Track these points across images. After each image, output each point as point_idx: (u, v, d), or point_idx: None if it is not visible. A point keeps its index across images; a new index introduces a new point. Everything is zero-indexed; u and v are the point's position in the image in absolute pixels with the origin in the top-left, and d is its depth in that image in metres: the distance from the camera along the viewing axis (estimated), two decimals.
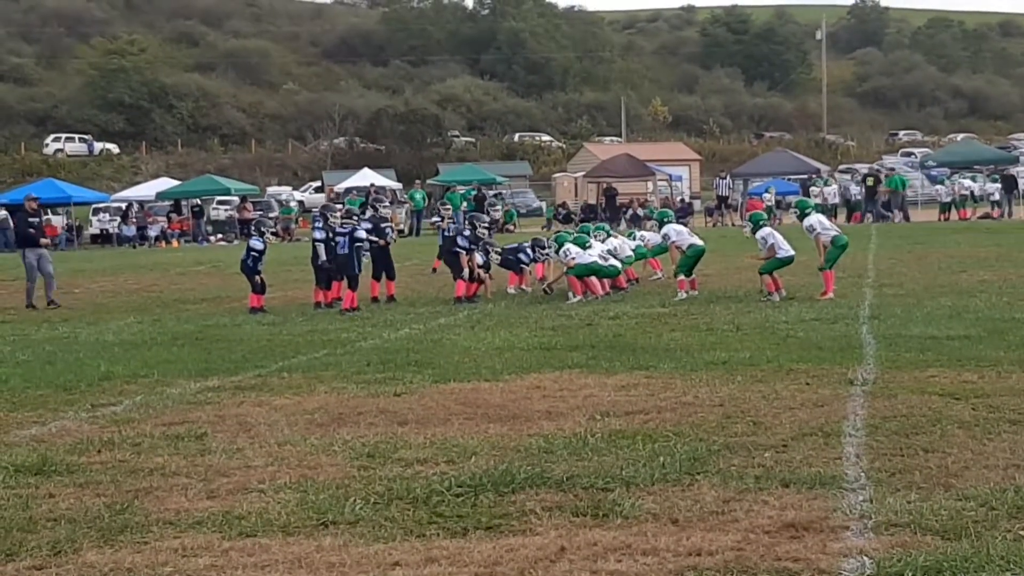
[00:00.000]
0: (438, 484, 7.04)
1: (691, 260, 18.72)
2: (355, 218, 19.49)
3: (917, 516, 6.09)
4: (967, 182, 45.66)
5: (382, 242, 19.78)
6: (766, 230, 18.20)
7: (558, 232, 22.83)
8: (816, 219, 18.28)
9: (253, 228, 20.17)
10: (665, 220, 20.19)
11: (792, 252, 17.81)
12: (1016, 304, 15.58)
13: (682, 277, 18.63)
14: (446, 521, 6.37)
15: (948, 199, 44.58)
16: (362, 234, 18.97)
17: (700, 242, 19.05)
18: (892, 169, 53.83)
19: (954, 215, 43.52)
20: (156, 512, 6.75)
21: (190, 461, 8.02)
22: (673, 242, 19.01)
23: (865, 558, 5.52)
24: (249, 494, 7.08)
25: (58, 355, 14.15)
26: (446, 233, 22.84)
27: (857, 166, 65.15)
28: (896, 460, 7.32)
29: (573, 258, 18.46)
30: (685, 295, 18.25)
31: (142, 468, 7.86)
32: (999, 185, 44.85)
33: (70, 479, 7.62)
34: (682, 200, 54.18)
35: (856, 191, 46.95)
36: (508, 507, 6.60)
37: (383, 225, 20.31)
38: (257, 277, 18.78)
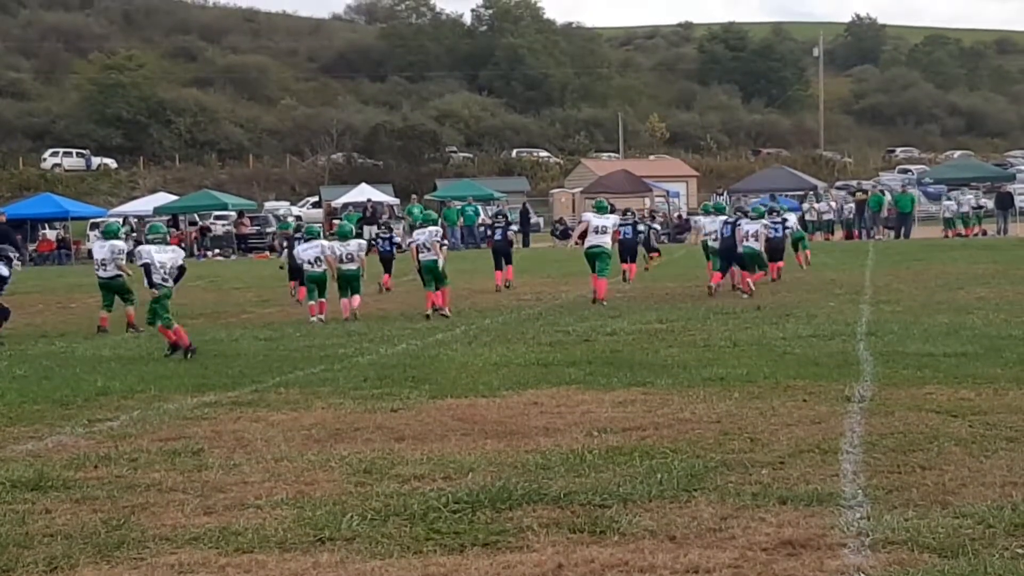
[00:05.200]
0: (435, 500, 7.03)
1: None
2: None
3: (914, 533, 6.07)
4: (951, 203, 45.48)
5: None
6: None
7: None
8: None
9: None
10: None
11: None
12: (1013, 321, 15.58)
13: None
14: (443, 538, 6.36)
15: (950, 215, 44.61)
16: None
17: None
18: (891, 188, 53.92)
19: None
20: (153, 528, 6.73)
21: (187, 477, 8.00)
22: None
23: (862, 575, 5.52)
24: (246, 510, 7.07)
25: (55, 370, 14.13)
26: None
27: (854, 183, 65.28)
28: (893, 477, 7.31)
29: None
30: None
31: (139, 484, 7.84)
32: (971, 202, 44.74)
33: (66, 495, 7.60)
34: (679, 216, 54.29)
35: (850, 208, 47.13)
36: (505, 523, 6.59)
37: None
38: None
